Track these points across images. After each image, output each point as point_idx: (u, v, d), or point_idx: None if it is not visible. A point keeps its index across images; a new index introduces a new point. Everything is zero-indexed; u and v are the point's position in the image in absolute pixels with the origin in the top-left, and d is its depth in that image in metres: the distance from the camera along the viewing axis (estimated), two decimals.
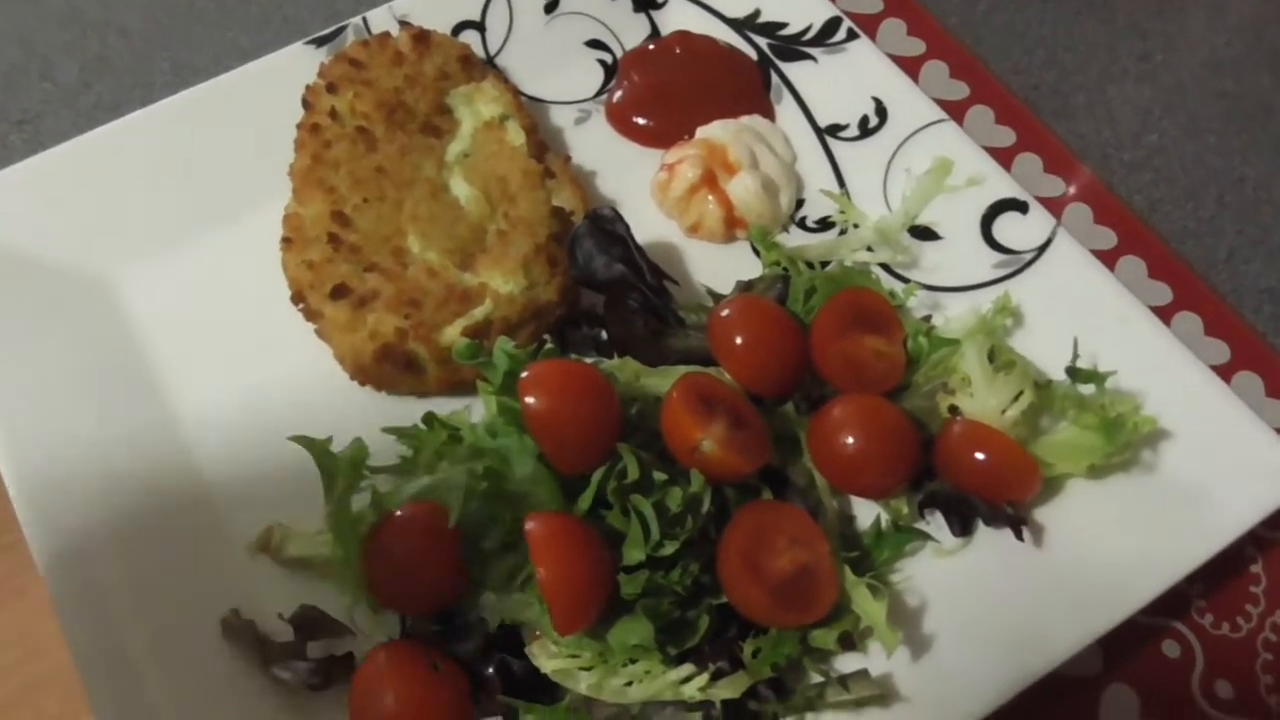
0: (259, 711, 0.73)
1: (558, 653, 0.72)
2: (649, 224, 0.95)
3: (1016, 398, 0.80)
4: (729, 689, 0.69)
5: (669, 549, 0.70)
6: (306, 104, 0.92)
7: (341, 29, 1.00)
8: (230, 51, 1.07)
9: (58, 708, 0.78)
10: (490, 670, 0.72)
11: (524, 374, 0.72)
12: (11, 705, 0.79)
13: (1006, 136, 1.06)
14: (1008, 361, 0.82)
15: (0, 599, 0.82)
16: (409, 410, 0.85)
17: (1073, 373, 0.81)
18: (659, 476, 0.72)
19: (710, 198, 0.94)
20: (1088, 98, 1.10)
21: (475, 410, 0.80)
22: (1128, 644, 0.82)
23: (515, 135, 0.93)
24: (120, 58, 1.09)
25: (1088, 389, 0.81)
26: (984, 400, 0.80)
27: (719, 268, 0.94)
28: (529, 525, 0.68)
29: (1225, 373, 0.93)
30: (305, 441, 0.73)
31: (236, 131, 0.94)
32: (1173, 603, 0.83)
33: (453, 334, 0.83)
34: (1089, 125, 1.08)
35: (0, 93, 1.06)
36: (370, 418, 0.83)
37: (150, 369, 0.87)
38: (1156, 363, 0.84)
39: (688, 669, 0.69)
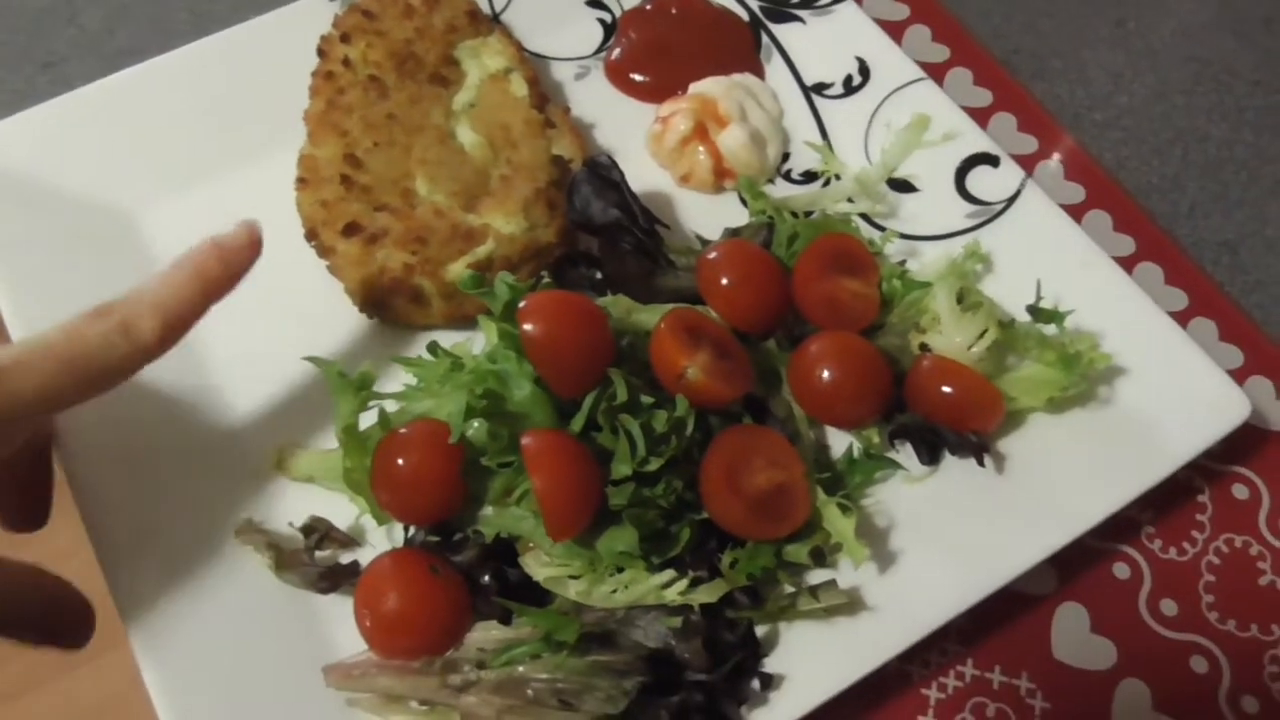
0: (270, 610, 0.77)
1: (550, 562, 0.75)
2: (643, 174, 0.98)
3: (982, 335, 0.83)
4: (707, 594, 0.73)
5: (654, 465, 0.73)
6: (321, 53, 0.95)
7: None
8: (248, 2, 1.10)
9: None
10: (487, 578, 0.76)
11: (523, 303, 0.76)
12: None
13: (984, 97, 1.09)
14: (975, 302, 0.86)
15: None
16: (415, 342, 0.88)
17: (1034, 311, 0.84)
18: (646, 400, 0.75)
19: (701, 149, 0.97)
20: (1063, 62, 1.13)
21: (476, 343, 0.84)
22: (1080, 566, 0.85)
23: (519, 87, 0.96)
24: (142, 6, 1.12)
25: (1049, 328, 0.85)
26: (952, 337, 0.84)
27: (708, 216, 0.97)
28: (525, 440, 0.72)
29: (1183, 318, 0.96)
30: (319, 362, 0.77)
31: (254, 77, 0.97)
32: (1124, 528, 0.87)
33: (457, 270, 0.86)
34: (1063, 87, 1.11)
35: (28, 37, 1.09)
36: (378, 348, 0.87)
37: None
38: (1115, 305, 0.87)
39: (669, 574, 0.73)
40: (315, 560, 0.78)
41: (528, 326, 0.74)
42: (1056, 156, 1.05)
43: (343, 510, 0.80)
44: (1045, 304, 0.85)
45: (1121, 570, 0.86)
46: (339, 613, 0.76)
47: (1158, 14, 1.15)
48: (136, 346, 0.66)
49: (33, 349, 0.62)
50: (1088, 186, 1.04)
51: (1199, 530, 0.88)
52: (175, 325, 0.68)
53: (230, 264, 0.72)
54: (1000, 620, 0.83)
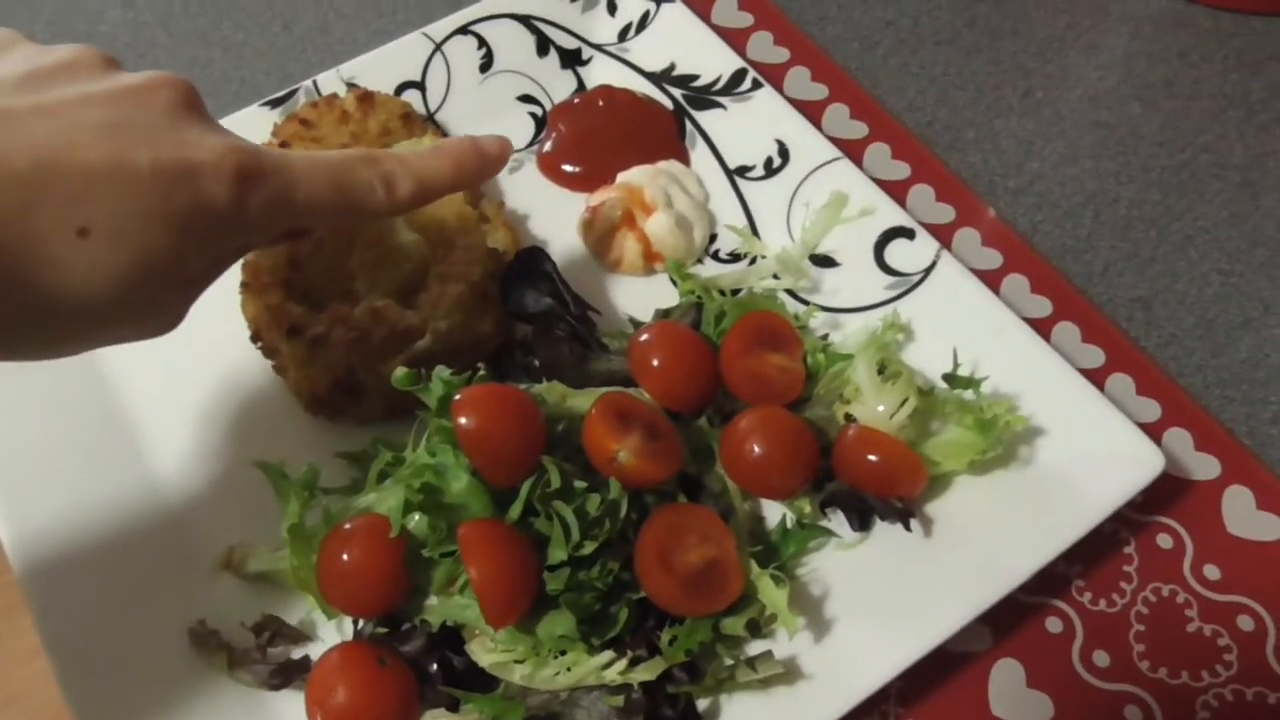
0: (223, 710, 0.77)
1: (494, 648, 0.76)
2: (576, 260, 1.01)
3: (903, 404, 0.86)
4: (647, 672, 0.74)
5: (588, 548, 0.74)
6: None
7: (293, 92, 1.05)
8: None
9: None
10: (434, 666, 0.77)
11: (457, 397, 0.77)
12: None
13: (902, 170, 1.12)
14: (895, 372, 0.88)
15: None
16: (358, 437, 0.89)
17: (950, 379, 0.86)
18: (580, 485, 0.77)
19: (630, 235, 0.99)
20: (976, 132, 1.16)
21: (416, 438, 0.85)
22: (1013, 622, 0.87)
23: None
24: None
25: (967, 394, 0.87)
26: (874, 407, 0.86)
27: (640, 298, 0.99)
28: (461, 531, 0.74)
29: (1101, 374, 0.98)
30: (263, 466, 0.78)
31: None
32: (1054, 583, 0.88)
33: (393, 376, 0.87)
34: (977, 156, 1.14)
35: None
36: (323, 444, 0.88)
37: (119, 406, 0.92)
38: (1029, 367, 0.90)
39: (609, 655, 0.74)
40: (267, 658, 0.79)
41: (462, 420, 0.76)
42: (974, 225, 1.08)
43: (294, 605, 0.81)
44: (962, 370, 0.87)
45: (1054, 624, 0.87)
46: (291, 708, 0.77)
47: (1064, 82, 1.20)
48: (390, 201, 0.71)
49: (314, 162, 0.67)
50: (1005, 252, 1.06)
51: (1127, 581, 0.90)
52: (424, 197, 0.73)
53: (483, 164, 0.78)
54: (938, 680, 0.84)
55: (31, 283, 0.55)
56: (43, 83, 0.59)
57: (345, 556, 0.76)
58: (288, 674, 0.78)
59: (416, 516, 0.77)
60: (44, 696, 0.82)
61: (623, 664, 0.73)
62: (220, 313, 0.93)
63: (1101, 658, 0.86)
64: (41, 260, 0.55)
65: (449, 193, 0.77)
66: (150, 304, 0.62)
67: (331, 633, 0.81)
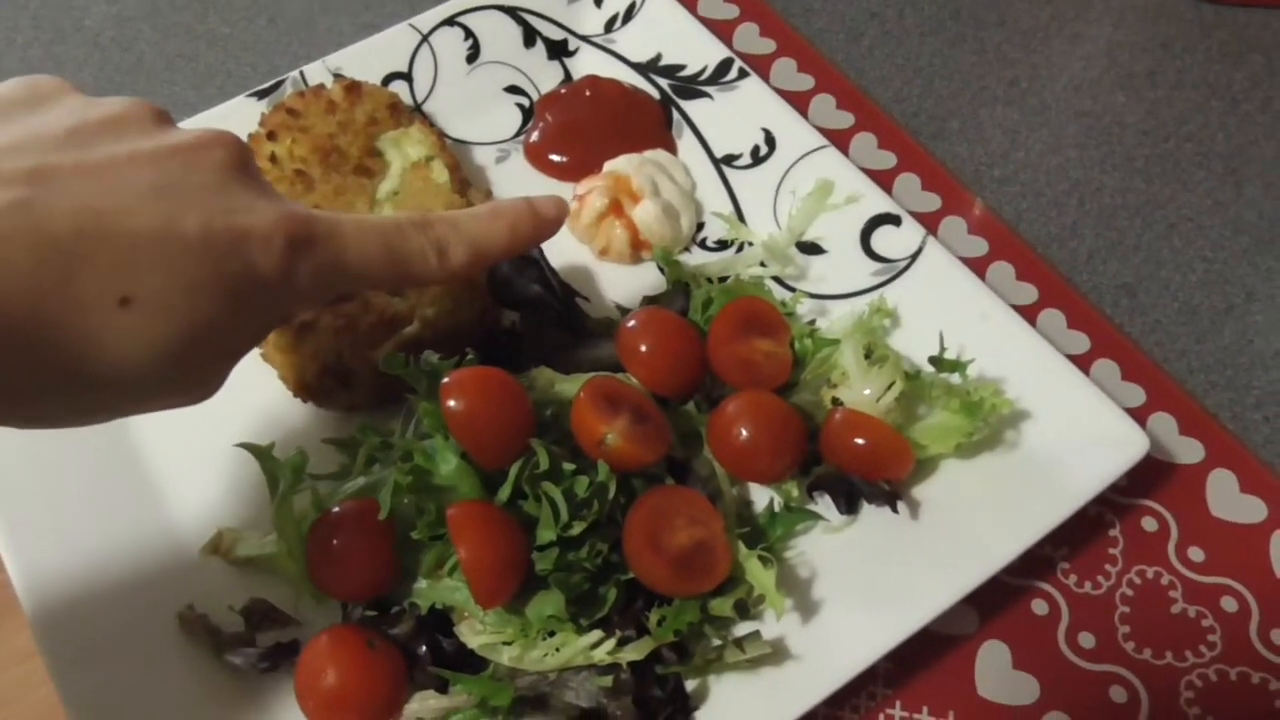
0: (213, 693, 0.78)
1: (483, 630, 0.77)
2: (564, 250, 1.02)
3: (890, 387, 0.87)
4: (635, 652, 0.75)
5: (577, 529, 0.75)
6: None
7: (280, 82, 1.06)
8: (179, 105, 1.13)
9: None
10: (423, 649, 0.78)
11: (445, 380, 0.78)
12: None
13: (888, 159, 1.13)
14: (882, 356, 0.89)
15: None
16: (346, 424, 0.90)
17: (936, 362, 0.88)
18: (568, 467, 0.78)
19: (618, 223, 1.00)
20: (961, 122, 1.18)
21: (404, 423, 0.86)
22: (999, 604, 0.88)
23: (439, 173, 0.99)
24: None
25: (953, 377, 0.88)
26: (860, 391, 0.87)
27: (628, 286, 1.00)
28: (450, 513, 0.74)
29: (1086, 360, 1.00)
30: (252, 448, 0.79)
31: None
32: (1040, 566, 0.90)
33: (381, 360, 0.88)
34: (963, 146, 1.16)
35: None
36: (311, 431, 0.89)
37: None
38: (1015, 351, 0.91)
39: (597, 635, 0.75)
40: (256, 642, 0.79)
41: (451, 403, 0.77)
42: (959, 213, 1.10)
43: (282, 590, 0.82)
44: (948, 354, 0.88)
45: (1040, 606, 0.89)
46: (281, 691, 0.78)
47: (1048, 73, 1.21)
48: (443, 268, 0.69)
49: (365, 227, 0.65)
50: (990, 240, 1.08)
51: (1112, 564, 0.91)
52: (478, 264, 0.71)
53: (538, 228, 0.76)
54: (925, 662, 0.85)
55: (68, 353, 0.52)
56: (89, 138, 0.56)
57: (334, 540, 0.77)
58: (277, 657, 0.78)
59: (405, 500, 0.78)
60: (34, 699, 0.82)
61: (611, 644, 0.74)
62: None
63: (1087, 639, 0.87)
64: (80, 330, 0.52)
65: (504, 259, 0.75)
66: (190, 375, 0.60)
67: (321, 618, 0.82)
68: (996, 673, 0.86)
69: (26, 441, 0.85)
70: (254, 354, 0.92)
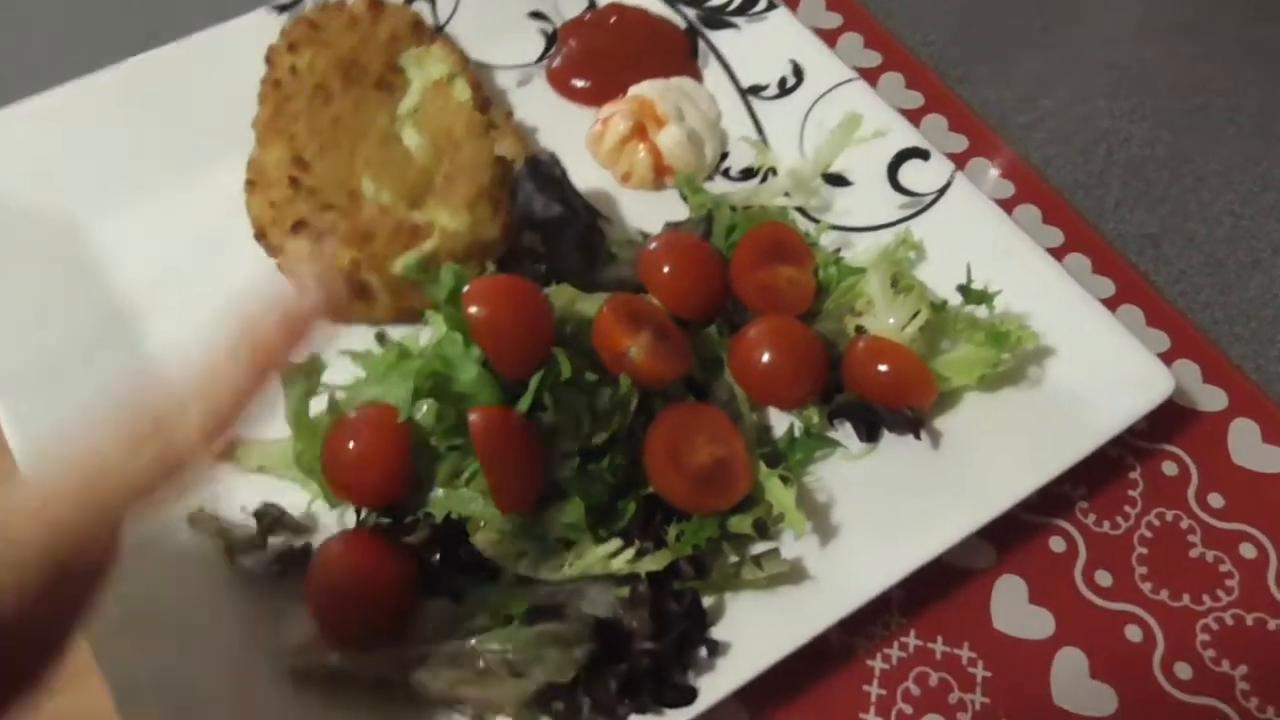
0: (223, 596, 0.78)
1: (498, 539, 0.77)
2: (586, 175, 1.01)
3: (915, 316, 0.87)
4: (653, 563, 0.75)
5: (599, 440, 0.76)
6: (269, 62, 0.98)
7: None
8: (199, 17, 1.12)
9: None
10: (437, 557, 0.78)
11: (468, 287, 0.78)
12: None
13: (915, 100, 1.13)
14: (908, 285, 0.89)
15: None
16: (363, 337, 0.90)
17: (965, 291, 0.88)
18: (590, 378, 0.78)
19: (641, 148, 1.00)
20: (990, 67, 1.17)
21: (422, 338, 0.86)
22: (1018, 540, 0.88)
23: (461, 91, 0.99)
24: (93, 26, 1.14)
25: (979, 310, 0.88)
26: (885, 319, 0.87)
27: (649, 213, 1.00)
28: (472, 417, 0.74)
29: (1111, 305, 0.99)
30: None
31: (205, 87, 0.99)
32: (1058, 503, 0.90)
33: (402, 266, 0.88)
34: (991, 90, 1.16)
35: None
36: (327, 343, 0.89)
37: (125, 307, 0.92)
38: (1042, 288, 0.91)
39: (615, 544, 0.75)
40: (268, 546, 0.79)
41: (473, 309, 0.77)
42: (986, 155, 1.10)
43: (294, 497, 0.82)
44: (975, 286, 0.88)
45: (1057, 544, 0.89)
46: (291, 597, 0.78)
47: (1080, 22, 1.21)
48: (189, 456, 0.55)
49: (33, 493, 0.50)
50: (1017, 183, 1.08)
51: (1131, 505, 0.91)
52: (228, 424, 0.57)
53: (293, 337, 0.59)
54: (941, 593, 0.86)
55: None
56: None
57: (351, 444, 0.77)
58: (288, 562, 0.78)
59: (424, 407, 0.78)
60: None
61: (629, 554, 0.75)
62: (223, 211, 0.94)
63: (1104, 577, 0.88)
64: None
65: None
66: None
67: (332, 524, 0.82)
68: (1012, 607, 0.86)
69: (36, 344, 0.86)
70: (271, 267, 0.92)
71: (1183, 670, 0.85)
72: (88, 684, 0.75)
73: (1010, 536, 0.88)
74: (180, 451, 0.55)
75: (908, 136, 0.99)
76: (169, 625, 0.77)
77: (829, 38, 1.16)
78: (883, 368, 0.85)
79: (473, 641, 0.74)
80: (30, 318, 0.89)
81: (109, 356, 0.89)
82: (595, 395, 0.77)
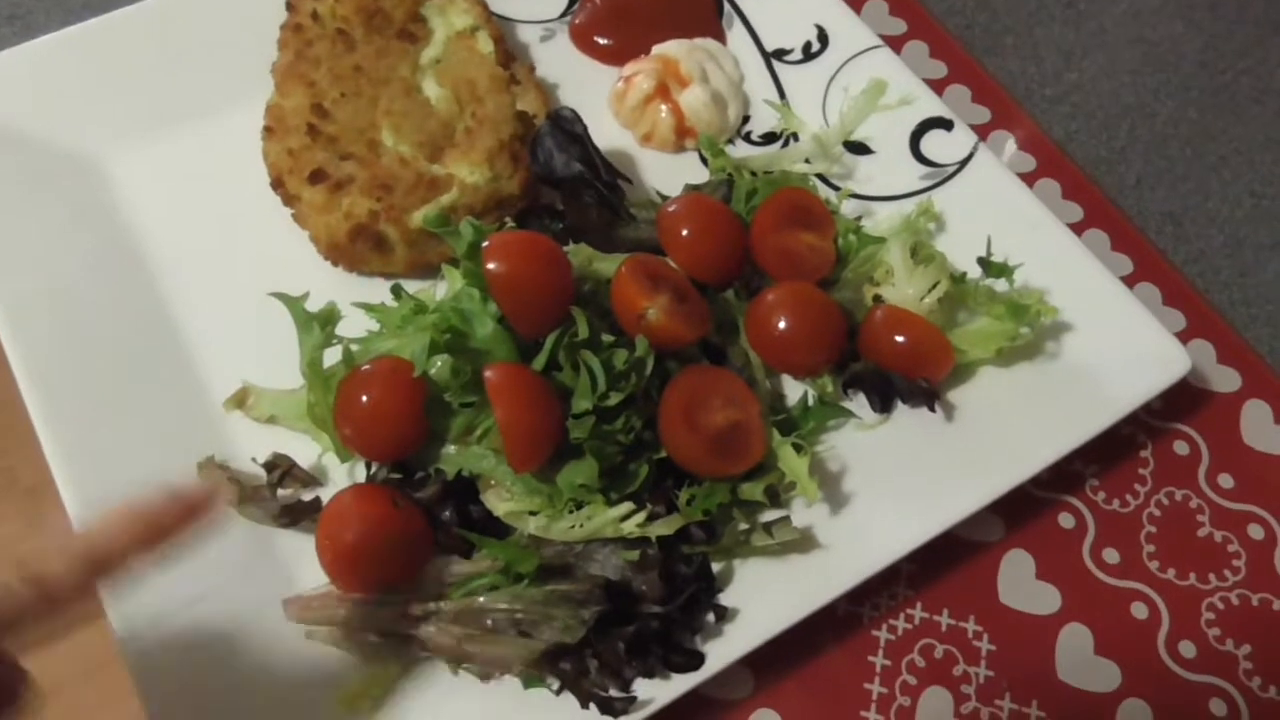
0: (231, 545, 0.76)
1: (510, 498, 0.76)
2: (606, 134, 0.98)
3: (934, 287, 0.85)
4: (664, 527, 0.73)
5: (614, 400, 0.73)
6: (290, 6, 0.95)
7: None
8: None
9: None
10: (448, 513, 0.76)
11: (487, 242, 0.76)
12: None
13: (939, 69, 1.10)
14: (928, 256, 0.87)
15: None
16: (378, 290, 0.88)
17: (985, 264, 0.85)
18: (607, 338, 0.76)
19: (663, 107, 0.97)
20: (1016, 38, 1.15)
21: (438, 292, 0.84)
22: (1026, 515, 0.86)
23: (484, 44, 0.96)
24: None
25: (999, 283, 0.86)
26: (904, 289, 0.85)
27: (669, 174, 0.97)
28: (488, 373, 0.72)
29: (1128, 282, 0.96)
30: (285, 298, 0.77)
31: (223, 29, 0.97)
32: (1069, 480, 0.88)
33: (421, 218, 0.86)
34: (1016, 63, 1.13)
35: None
36: (342, 295, 0.87)
37: (137, 243, 0.90)
38: (1061, 263, 0.89)
39: (627, 507, 0.73)
40: (277, 496, 0.78)
41: (492, 265, 0.74)
42: (1009, 128, 1.07)
43: (304, 450, 0.80)
44: (995, 260, 0.86)
45: (1066, 520, 0.87)
46: (300, 549, 0.76)
47: None
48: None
49: None
50: (1038, 157, 1.05)
51: (1141, 484, 0.90)
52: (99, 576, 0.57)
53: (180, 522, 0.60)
54: (949, 566, 0.84)
55: None
56: None
57: (364, 397, 0.75)
58: (297, 513, 0.77)
59: (439, 362, 0.76)
60: None
61: (641, 517, 0.73)
62: (240, 159, 0.91)
63: (1111, 555, 0.86)
64: None
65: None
66: None
67: (342, 477, 0.80)
68: (1019, 581, 0.84)
69: (54, 289, 0.84)
70: (285, 215, 0.90)
71: (1187, 649, 0.83)
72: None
73: (1020, 511, 0.86)
74: (56, 595, 0.54)
75: (932, 105, 0.97)
76: (175, 571, 0.75)
77: (854, 3, 1.12)
78: (900, 338, 0.82)
79: (481, 599, 0.72)
80: (46, 249, 0.87)
81: (123, 292, 0.87)
82: (612, 355, 0.75)
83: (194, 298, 0.88)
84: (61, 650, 0.73)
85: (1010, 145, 1.06)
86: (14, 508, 0.84)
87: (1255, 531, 0.88)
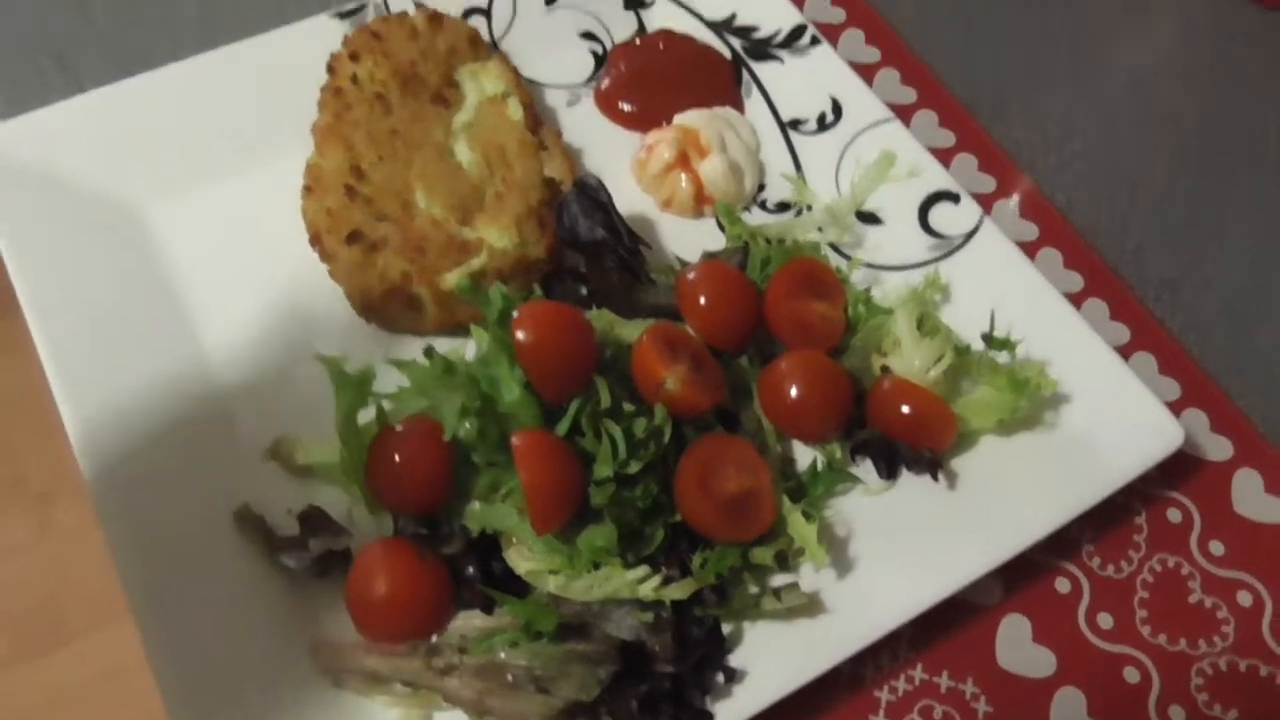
0: (265, 594, 0.79)
1: (531, 557, 0.79)
2: (628, 198, 1.02)
3: (939, 359, 0.88)
4: (678, 591, 0.76)
5: (634, 467, 0.77)
6: (331, 69, 0.98)
7: (363, 5, 1.06)
8: (259, 17, 1.13)
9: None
10: (471, 569, 0.79)
11: (516, 312, 0.79)
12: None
13: (948, 138, 1.13)
14: (934, 329, 0.90)
15: None
16: (410, 347, 0.91)
17: (988, 339, 0.89)
18: (628, 407, 0.79)
19: (683, 176, 1.01)
20: (1022, 106, 1.18)
21: (466, 350, 0.87)
22: (1025, 579, 0.89)
23: (515, 110, 1.00)
24: (152, 6, 1.14)
25: (1001, 355, 0.89)
26: (911, 360, 0.88)
27: (688, 239, 1.01)
28: (515, 439, 0.75)
29: (1126, 351, 1.00)
30: (325, 359, 0.80)
31: (266, 88, 1.00)
32: (1066, 546, 0.91)
33: (452, 280, 0.89)
34: (1021, 131, 1.16)
35: (42, 35, 1.11)
36: (373, 351, 0.90)
37: (179, 296, 0.93)
38: (1062, 336, 0.92)
39: (644, 570, 0.76)
40: (309, 546, 0.81)
41: (520, 334, 0.78)
42: (1013, 196, 1.10)
43: (336, 501, 0.83)
44: (998, 333, 0.89)
45: (1063, 584, 0.90)
46: (329, 598, 0.79)
47: (1111, 63, 1.21)
48: None
49: None
50: (1041, 225, 1.08)
51: (1135, 550, 0.92)
52: None
53: None
54: (949, 628, 0.87)
55: None
56: None
57: (396, 455, 0.78)
58: (328, 563, 0.80)
59: (468, 423, 0.79)
60: (17, 595, 0.82)
61: (656, 581, 0.76)
62: (280, 215, 0.95)
63: (1105, 619, 0.89)
64: None
65: None
66: None
67: (372, 530, 0.83)
68: (1017, 644, 0.87)
69: (100, 337, 0.87)
70: (321, 271, 0.93)
71: (1176, 713, 0.86)
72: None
73: (1018, 575, 0.88)
74: None
75: (940, 179, 1.00)
76: (211, 615, 0.78)
77: (867, 72, 1.16)
78: (905, 409, 0.85)
79: (502, 654, 0.75)
80: (92, 295, 0.90)
81: (165, 341, 0.90)
82: (632, 424, 0.78)
83: (233, 347, 0.91)
84: (81, 652, 0.76)
85: (1015, 214, 1.09)
86: (23, 513, 0.86)
87: (1244, 598, 0.91)
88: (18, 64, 1.09)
